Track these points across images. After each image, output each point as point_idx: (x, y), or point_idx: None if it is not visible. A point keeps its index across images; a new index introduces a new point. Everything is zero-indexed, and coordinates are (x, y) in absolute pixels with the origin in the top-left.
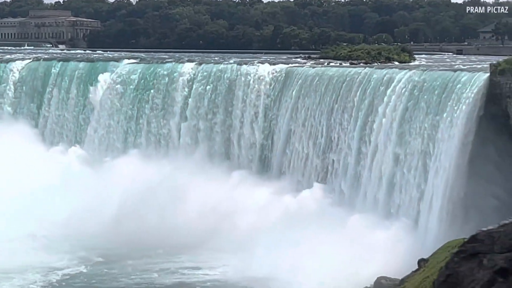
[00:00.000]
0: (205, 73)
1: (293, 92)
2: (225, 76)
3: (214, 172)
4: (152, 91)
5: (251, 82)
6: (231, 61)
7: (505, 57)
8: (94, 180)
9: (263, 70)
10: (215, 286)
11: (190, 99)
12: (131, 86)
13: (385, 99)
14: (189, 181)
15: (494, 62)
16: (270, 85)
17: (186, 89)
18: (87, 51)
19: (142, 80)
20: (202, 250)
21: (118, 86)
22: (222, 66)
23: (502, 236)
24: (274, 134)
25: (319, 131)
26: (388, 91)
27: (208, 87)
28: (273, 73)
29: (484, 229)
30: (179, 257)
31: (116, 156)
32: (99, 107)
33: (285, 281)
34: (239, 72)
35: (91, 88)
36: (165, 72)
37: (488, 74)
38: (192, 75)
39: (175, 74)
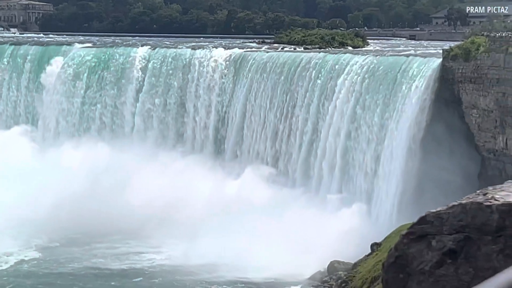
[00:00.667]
0: (153, 79)
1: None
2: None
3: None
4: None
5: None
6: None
7: (457, 43)
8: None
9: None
10: (163, 271)
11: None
12: (77, 99)
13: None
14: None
15: (447, 48)
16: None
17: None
18: (41, 35)
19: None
20: (150, 236)
21: (63, 100)
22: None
23: (451, 218)
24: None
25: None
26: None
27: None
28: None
29: (433, 210)
30: (127, 243)
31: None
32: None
33: (233, 267)
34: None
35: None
36: (113, 79)
37: (440, 60)
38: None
39: (123, 81)
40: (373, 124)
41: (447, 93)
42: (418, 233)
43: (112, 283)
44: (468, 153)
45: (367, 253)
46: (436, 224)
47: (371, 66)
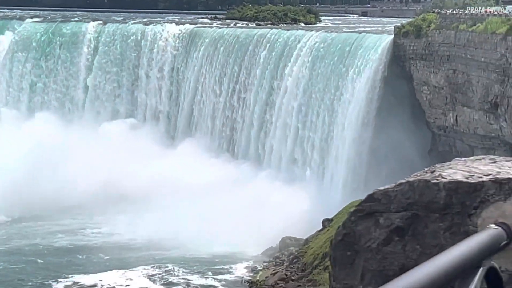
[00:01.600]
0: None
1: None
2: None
3: None
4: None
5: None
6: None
7: (409, 20)
8: None
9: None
10: (110, 248)
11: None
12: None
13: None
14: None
15: (398, 24)
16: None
17: None
18: None
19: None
20: (93, 213)
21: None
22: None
23: (399, 195)
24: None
25: None
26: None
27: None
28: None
29: (381, 188)
30: (75, 218)
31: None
32: None
33: (182, 243)
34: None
35: None
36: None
37: (392, 36)
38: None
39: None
40: (325, 99)
41: (398, 69)
42: (366, 210)
43: (59, 260)
44: (419, 129)
45: (318, 229)
46: (384, 202)
47: (324, 43)
